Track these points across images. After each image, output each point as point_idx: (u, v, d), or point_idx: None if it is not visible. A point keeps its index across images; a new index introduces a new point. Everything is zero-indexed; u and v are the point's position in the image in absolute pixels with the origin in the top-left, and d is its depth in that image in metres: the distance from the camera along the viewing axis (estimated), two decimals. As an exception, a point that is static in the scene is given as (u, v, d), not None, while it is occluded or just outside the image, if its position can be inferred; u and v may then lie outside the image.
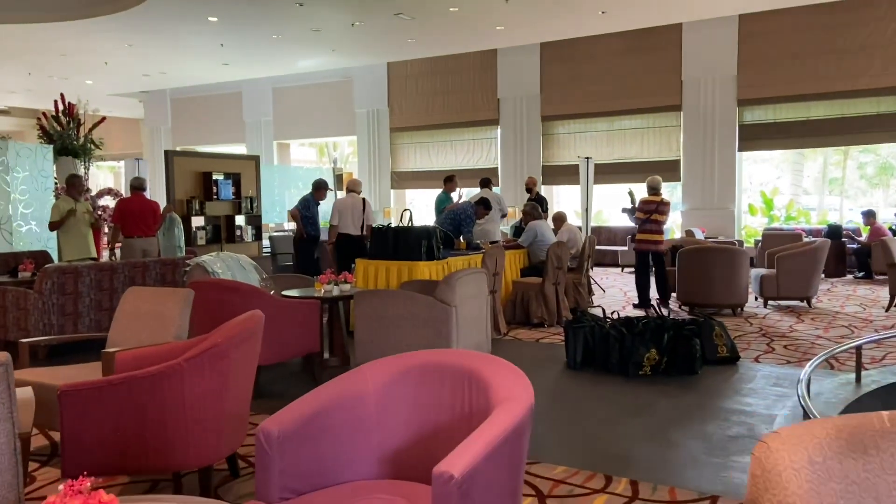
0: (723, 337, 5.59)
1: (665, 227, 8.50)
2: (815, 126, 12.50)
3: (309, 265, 8.78)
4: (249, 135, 18.80)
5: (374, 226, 6.97)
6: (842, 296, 9.23)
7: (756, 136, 13.08)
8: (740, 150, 13.26)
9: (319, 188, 9.06)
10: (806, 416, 4.15)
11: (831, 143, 13.62)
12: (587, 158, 11.14)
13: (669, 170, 13.42)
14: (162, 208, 8.53)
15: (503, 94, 15.32)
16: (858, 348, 4.83)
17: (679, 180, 13.56)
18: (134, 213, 7.96)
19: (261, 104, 18.51)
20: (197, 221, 10.35)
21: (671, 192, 14.22)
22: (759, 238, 12.41)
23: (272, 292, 5.98)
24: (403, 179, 16.92)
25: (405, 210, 7.17)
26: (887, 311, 7.79)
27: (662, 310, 5.94)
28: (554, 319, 7.33)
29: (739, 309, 7.89)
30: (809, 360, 5.64)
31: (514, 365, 2.32)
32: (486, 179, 9.43)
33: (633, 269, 12.77)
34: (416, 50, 14.82)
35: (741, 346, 6.04)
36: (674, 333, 5.22)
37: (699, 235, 12.11)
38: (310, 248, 9.05)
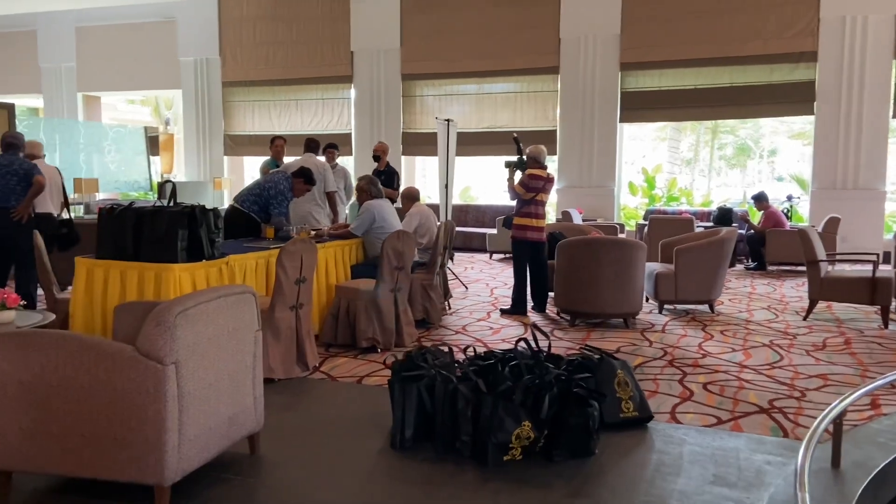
0: (628, 386, 3.69)
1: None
2: (703, 95, 11.13)
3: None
4: (47, 84, 15.19)
5: (102, 207, 4.46)
6: (742, 294, 7.78)
7: (639, 106, 11.58)
8: (622, 120, 11.73)
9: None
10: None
11: (720, 115, 12.44)
12: (447, 121, 9.04)
13: (545, 141, 11.57)
14: None
15: (357, 46, 12.94)
16: (838, 418, 3.05)
17: (555, 154, 11.81)
18: None
19: (61, 47, 14.94)
20: None
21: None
22: (642, 222, 10.95)
23: None
24: (239, 144, 14.14)
25: (166, 182, 4.73)
26: (805, 319, 6.32)
27: (538, 336, 3.93)
28: (391, 341, 5.22)
29: (632, 319, 6.14)
30: (745, 417, 3.85)
31: None
32: (311, 141, 7.07)
33: (503, 257, 11.12)
34: (248, -17, 12.09)
35: (645, 384, 4.22)
36: (559, 393, 3.24)
37: (577, 219, 10.41)
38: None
